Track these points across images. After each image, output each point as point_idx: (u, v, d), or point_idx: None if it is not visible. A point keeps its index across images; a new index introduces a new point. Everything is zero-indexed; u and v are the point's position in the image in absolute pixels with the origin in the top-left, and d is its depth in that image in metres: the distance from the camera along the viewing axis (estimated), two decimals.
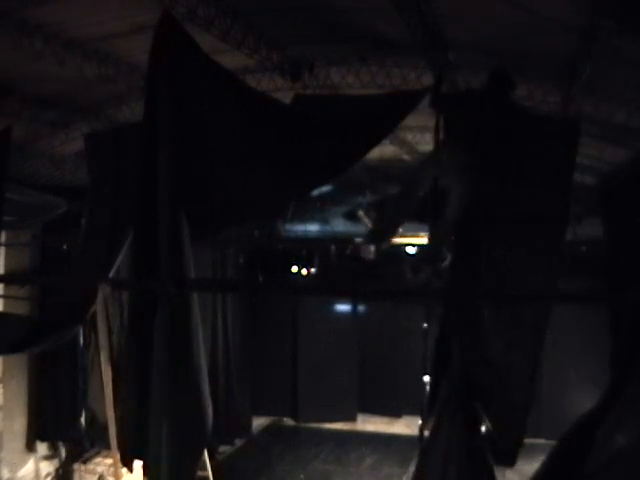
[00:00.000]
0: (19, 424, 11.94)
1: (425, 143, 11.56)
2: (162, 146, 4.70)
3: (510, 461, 4.88)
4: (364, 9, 7.07)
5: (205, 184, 5.06)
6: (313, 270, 15.10)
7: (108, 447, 8.06)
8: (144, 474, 5.38)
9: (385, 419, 15.24)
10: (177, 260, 4.71)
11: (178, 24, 4.81)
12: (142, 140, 4.89)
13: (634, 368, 3.83)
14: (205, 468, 9.30)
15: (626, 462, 3.56)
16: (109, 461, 10.92)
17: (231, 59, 7.35)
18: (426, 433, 5.05)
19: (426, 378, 5.39)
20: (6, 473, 11.34)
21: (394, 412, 14.37)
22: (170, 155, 4.67)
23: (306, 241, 15.05)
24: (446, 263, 5.38)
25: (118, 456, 6.04)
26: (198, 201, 5.01)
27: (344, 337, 15.79)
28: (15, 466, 11.65)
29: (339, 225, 15.11)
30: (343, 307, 16.13)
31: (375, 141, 5.58)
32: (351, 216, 14.82)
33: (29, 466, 12.00)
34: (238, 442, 14.11)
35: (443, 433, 4.57)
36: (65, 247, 11.67)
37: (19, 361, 11.78)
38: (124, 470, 7.93)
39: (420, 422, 5.51)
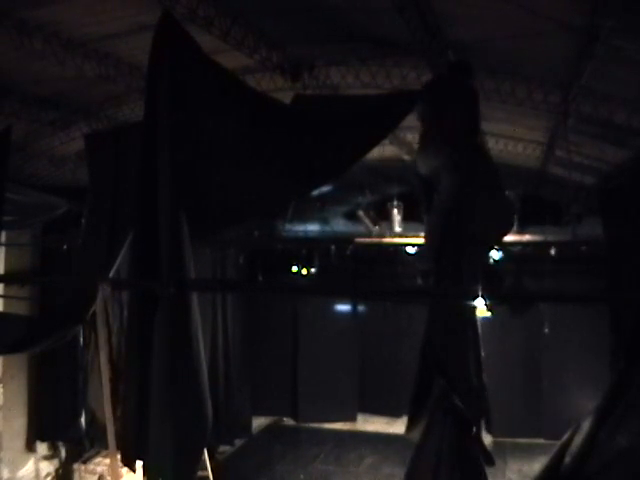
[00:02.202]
0: (19, 424, 11.94)
1: None
2: (162, 146, 4.71)
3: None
4: (364, 9, 7.07)
5: (205, 184, 5.06)
6: (313, 270, 15.09)
7: (108, 447, 8.06)
8: (144, 474, 5.39)
9: (385, 419, 15.21)
10: (177, 260, 4.72)
11: (178, 24, 4.82)
12: (142, 140, 4.90)
13: (635, 368, 3.83)
14: (205, 468, 9.31)
15: (627, 463, 3.56)
16: (109, 461, 10.92)
17: (231, 59, 7.36)
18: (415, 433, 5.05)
19: None
20: (6, 473, 11.34)
21: (394, 412, 14.33)
22: (170, 155, 4.68)
23: (306, 241, 15.03)
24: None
25: (117, 456, 6.04)
26: (198, 201, 5.01)
27: (344, 337, 15.77)
28: (15, 466, 11.64)
29: (339, 225, 15.10)
30: (343, 307, 16.13)
31: (375, 141, 5.59)
32: (351, 216, 14.82)
33: (29, 466, 12.00)
34: (238, 442, 14.10)
35: (435, 433, 4.58)
36: (65, 247, 11.67)
37: (19, 361, 11.79)
38: (124, 470, 7.93)
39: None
